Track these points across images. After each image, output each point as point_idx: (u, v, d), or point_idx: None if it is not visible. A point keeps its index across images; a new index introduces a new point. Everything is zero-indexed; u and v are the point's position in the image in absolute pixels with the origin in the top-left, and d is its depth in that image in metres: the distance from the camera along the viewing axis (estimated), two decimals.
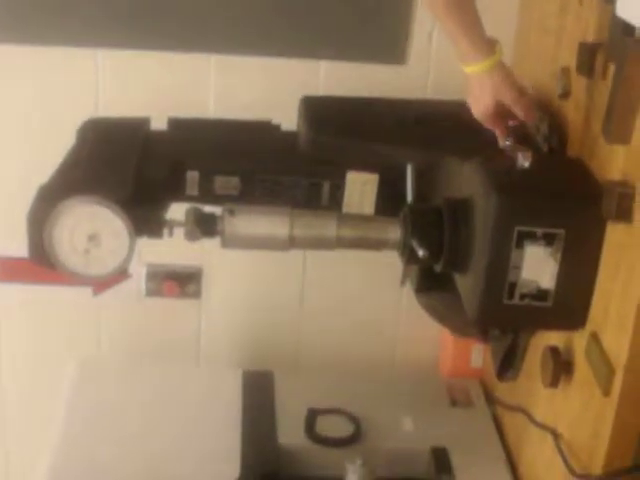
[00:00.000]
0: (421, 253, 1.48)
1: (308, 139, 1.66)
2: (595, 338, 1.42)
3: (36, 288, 1.88)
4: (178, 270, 2.17)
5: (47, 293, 1.91)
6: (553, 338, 1.58)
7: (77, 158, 1.60)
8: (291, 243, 1.54)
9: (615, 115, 1.31)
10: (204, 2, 1.96)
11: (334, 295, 2.23)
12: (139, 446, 1.86)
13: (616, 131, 1.32)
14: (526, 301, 1.44)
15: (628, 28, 1.29)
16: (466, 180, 1.51)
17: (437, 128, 1.68)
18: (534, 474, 1.75)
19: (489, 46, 1.45)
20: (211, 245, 1.56)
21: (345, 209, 1.67)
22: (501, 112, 1.48)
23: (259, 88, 2.03)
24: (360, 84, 1.98)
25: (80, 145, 1.65)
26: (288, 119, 1.73)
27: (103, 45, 1.98)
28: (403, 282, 1.66)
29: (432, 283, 1.67)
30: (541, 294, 1.43)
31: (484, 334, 1.69)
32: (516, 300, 1.44)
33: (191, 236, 1.52)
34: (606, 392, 1.37)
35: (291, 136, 1.71)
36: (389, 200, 1.66)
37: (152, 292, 2.18)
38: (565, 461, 1.52)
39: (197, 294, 2.20)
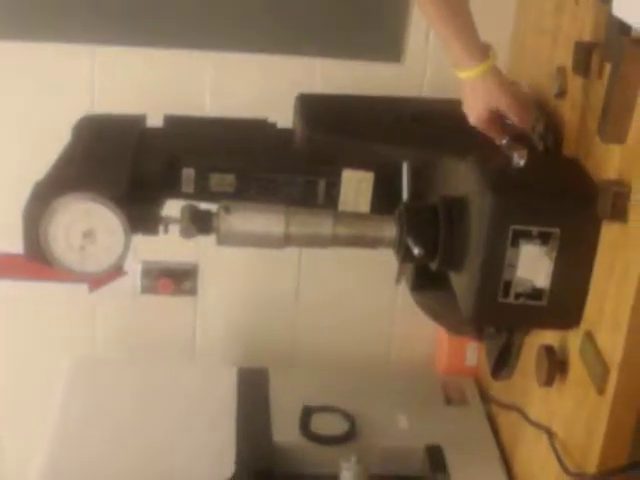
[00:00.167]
0: (416, 251, 1.49)
1: (304, 137, 1.66)
2: (590, 337, 1.42)
3: (31, 285, 1.88)
4: (173, 267, 2.17)
5: (42, 290, 1.92)
6: (548, 337, 1.58)
7: (73, 155, 1.60)
8: (286, 241, 1.54)
9: (611, 114, 1.31)
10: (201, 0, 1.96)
11: (329, 292, 2.23)
12: (134, 443, 1.86)
13: (612, 130, 1.32)
14: (521, 300, 1.44)
15: (624, 27, 1.29)
16: (462, 179, 1.51)
17: (433, 126, 1.68)
18: (529, 472, 1.75)
19: (482, 51, 1.43)
20: (206, 242, 1.56)
21: (341, 207, 1.67)
22: (495, 117, 1.47)
23: (255, 86, 2.03)
24: (356, 82, 1.98)
25: (76, 142, 1.65)
26: (284, 117, 1.73)
27: (99, 42, 1.98)
28: (398, 280, 1.66)
29: (427, 281, 1.67)
30: (536, 293, 1.44)
31: (479, 332, 1.69)
32: (511, 299, 1.44)
33: (186, 233, 1.52)
34: (600, 391, 1.37)
35: (287, 134, 1.71)
36: (385, 198, 1.66)
37: (147, 289, 2.18)
38: (559, 460, 1.52)
39: (192, 291, 2.20)
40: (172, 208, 1.58)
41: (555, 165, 1.55)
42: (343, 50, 2.02)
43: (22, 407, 2.26)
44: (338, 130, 1.67)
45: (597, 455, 1.40)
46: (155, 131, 1.71)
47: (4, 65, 1.99)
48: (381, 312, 2.26)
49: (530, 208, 1.41)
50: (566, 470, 1.50)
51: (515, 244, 1.40)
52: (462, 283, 1.51)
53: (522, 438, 1.79)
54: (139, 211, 1.49)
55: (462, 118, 1.51)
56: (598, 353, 1.39)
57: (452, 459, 1.83)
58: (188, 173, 1.64)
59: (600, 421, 1.39)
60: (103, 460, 1.81)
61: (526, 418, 1.73)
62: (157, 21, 1.97)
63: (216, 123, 1.78)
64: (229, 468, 1.77)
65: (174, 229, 1.53)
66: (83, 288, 1.74)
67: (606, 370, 1.36)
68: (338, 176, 1.66)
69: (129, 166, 1.56)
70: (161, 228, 1.53)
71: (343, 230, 1.55)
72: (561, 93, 1.61)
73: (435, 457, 1.83)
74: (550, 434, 1.59)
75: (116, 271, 1.50)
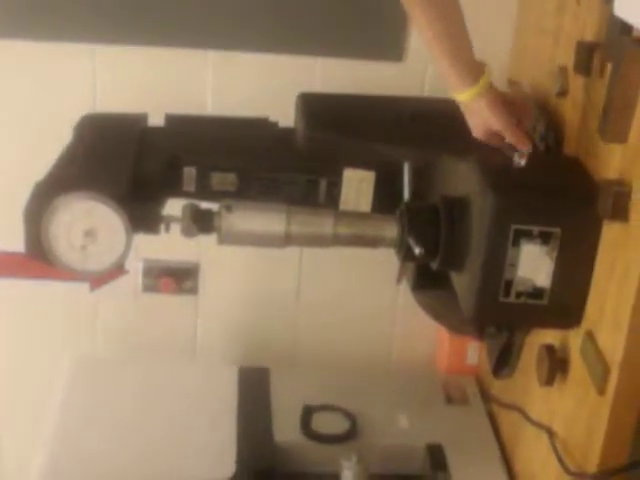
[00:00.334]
0: (417, 251, 1.49)
1: (305, 136, 1.66)
2: (590, 337, 1.42)
3: (32, 283, 1.89)
4: (175, 266, 2.17)
5: (43, 288, 1.92)
6: (549, 336, 1.59)
7: (74, 154, 1.60)
8: (287, 240, 1.54)
9: (612, 114, 1.31)
10: None
11: (330, 292, 2.23)
12: (134, 442, 1.86)
13: (613, 130, 1.33)
14: (522, 299, 1.44)
15: (625, 27, 1.30)
16: (463, 178, 1.51)
17: (434, 126, 1.68)
18: (529, 472, 1.75)
19: (475, 74, 1.42)
20: (208, 241, 1.56)
21: (342, 206, 1.67)
22: (494, 132, 1.47)
23: (256, 85, 2.03)
24: (357, 81, 1.98)
25: (77, 141, 1.65)
26: (285, 116, 1.73)
27: (100, 41, 1.98)
28: (399, 280, 1.66)
29: (428, 281, 1.67)
30: (537, 292, 1.44)
31: (480, 332, 1.69)
32: (512, 298, 1.44)
33: (188, 232, 1.52)
34: (601, 391, 1.37)
35: (288, 133, 1.71)
36: (386, 198, 1.66)
37: (148, 288, 2.18)
38: (560, 459, 1.52)
39: (193, 290, 2.20)
40: (173, 207, 1.59)
41: (556, 164, 1.55)
42: (344, 49, 2.02)
43: (22, 406, 2.27)
44: (339, 129, 1.67)
45: (597, 455, 1.40)
46: (156, 130, 1.71)
47: (5, 64, 1.99)
48: (382, 311, 2.26)
49: (531, 208, 1.41)
50: (566, 469, 1.50)
51: (516, 243, 1.41)
52: (463, 282, 1.51)
53: (523, 437, 1.79)
54: (140, 210, 1.49)
55: (463, 118, 1.51)
56: (599, 353, 1.39)
57: (453, 458, 1.83)
58: (189, 172, 1.64)
59: (600, 421, 1.39)
60: (103, 459, 1.81)
61: (527, 417, 1.73)
62: (158, 20, 1.97)
63: (217, 122, 1.78)
64: (230, 467, 1.77)
65: (175, 228, 1.53)
66: (84, 287, 1.74)
67: (607, 370, 1.36)
68: (339, 175, 1.66)
69: (130, 165, 1.56)
70: (162, 227, 1.53)
71: (344, 229, 1.55)
72: (562, 92, 1.61)
73: (436, 456, 1.83)
74: (551, 433, 1.59)
75: (117, 270, 1.50)
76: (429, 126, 1.69)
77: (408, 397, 2.06)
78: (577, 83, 1.55)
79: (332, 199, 1.67)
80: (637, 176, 1.29)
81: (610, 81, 1.33)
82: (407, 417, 1.97)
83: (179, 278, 2.18)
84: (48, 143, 1.59)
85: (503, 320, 1.58)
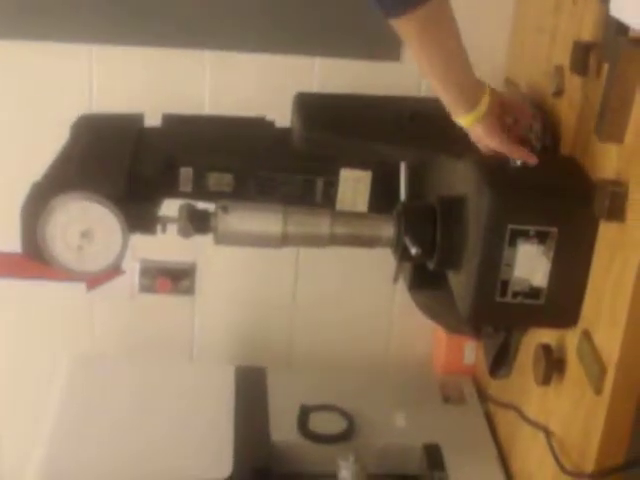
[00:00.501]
0: (414, 251, 1.49)
1: (302, 136, 1.66)
2: (587, 336, 1.43)
3: (29, 283, 1.88)
4: (171, 266, 2.17)
5: (40, 288, 1.91)
6: (545, 336, 1.59)
7: (70, 154, 1.60)
8: (284, 240, 1.54)
9: (608, 114, 1.32)
10: None
11: (327, 291, 2.23)
12: (132, 442, 1.86)
13: (609, 130, 1.33)
14: (518, 299, 1.44)
15: (621, 27, 1.30)
16: (459, 178, 1.51)
17: (431, 126, 1.67)
18: (526, 471, 1.75)
19: (473, 101, 1.39)
20: (205, 241, 1.56)
21: (338, 206, 1.67)
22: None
23: (254, 84, 2.03)
24: (354, 81, 1.98)
25: (74, 141, 1.65)
26: (282, 116, 1.73)
27: (97, 41, 1.98)
28: (396, 279, 1.66)
29: (425, 280, 1.67)
30: (533, 292, 1.44)
31: (477, 331, 1.69)
32: (508, 298, 1.44)
33: (184, 232, 1.52)
34: (598, 390, 1.38)
35: (285, 133, 1.71)
36: (382, 197, 1.66)
37: (145, 288, 2.18)
38: (556, 459, 1.52)
39: (190, 290, 2.20)
40: (170, 207, 1.59)
41: (553, 164, 1.55)
42: (342, 49, 2.02)
43: (21, 405, 2.27)
44: (336, 129, 1.67)
45: (594, 454, 1.41)
46: (153, 130, 1.71)
47: (1, 64, 1.99)
48: (379, 311, 2.26)
49: (527, 207, 1.41)
50: (563, 469, 1.50)
51: (512, 243, 1.41)
52: (460, 282, 1.51)
53: (520, 437, 1.79)
54: (137, 210, 1.49)
55: None
56: (595, 352, 1.39)
57: (450, 457, 1.83)
58: (186, 172, 1.64)
59: (597, 420, 1.39)
60: (101, 459, 1.81)
61: (523, 417, 1.73)
62: (155, 20, 1.97)
63: (214, 122, 1.78)
64: (227, 467, 1.77)
65: (172, 228, 1.53)
66: (81, 287, 1.74)
67: (603, 369, 1.36)
68: (336, 175, 1.66)
69: (127, 165, 1.56)
70: (159, 227, 1.53)
71: (341, 229, 1.55)
72: (559, 92, 1.61)
73: (433, 455, 1.83)
74: (547, 433, 1.59)
75: (114, 270, 1.50)
76: (426, 126, 1.69)
77: (405, 397, 2.06)
78: (574, 83, 1.55)
79: (329, 199, 1.67)
80: (633, 176, 1.29)
81: (606, 81, 1.34)
82: (404, 417, 1.97)
83: (176, 278, 2.18)
84: (45, 143, 1.59)
85: (500, 320, 1.58)
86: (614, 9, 1.27)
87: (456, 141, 1.54)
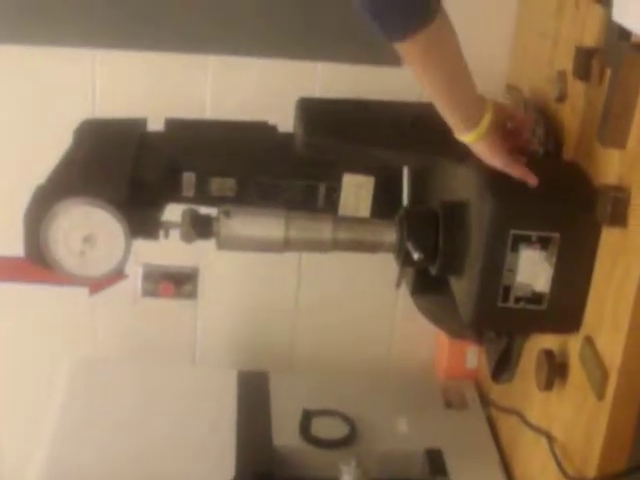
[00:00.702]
0: (416, 256, 1.49)
1: (304, 141, 1.66)
2: (589, 342, 1.42)
3: (31, 287, 1.88)
4: (174, 271, 2.17)
5: (43, 293, 1.91)
6: (548, 341, 1.59)
7: (74, 159, 1.60)
8: (286, 245, 1.54)
9: (611, 119, 1.32)
10: (201, 3, 1.96)
11: (329, 296, 2.23)
12: (134, 446, 1.86)
13: (611, 135, 1.33)
14: (521, 304, 1.44)
15: (624, 33, 1.30)
16: (461, 183, 1.51)
17: (433, 131, 1.67)
18: (528, 476, 1.75)
19: (474, 119, 1.38)
20: (207, 246, 1.56)
21: (341, 211, 1.67)
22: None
23: (256, 89, 2.03)
24: (356, 86, 1.98)
25: (77, 146, 1.65)
26: (285, 120, 1.73)
27: (100, 46, 1.98)
28: (398, 284, 1.66)
29: (427, 286, 1.67)
30: (536, 297, 1.44)
31: (479, 337, 1.69)
32: (511, 303, 1.44)
33: (186, 237, 1.52)
34: (600, 396, 1.38)
35: (288, 137, 1.71)
36: (385, 203, 1.66)
37: (148, 292, 2.18)
38: (559, 464, 1.52)
39: (193, 295, 2.20)
40: (173, 212, 1.59)
41: (555, 170, 1.55)
42: (344, 54, 2.02)
43: (22, 408, 2.27)
44: (338, 134, 1.67)
45: (596, 460, 1.41)
46: (156, 135, 1.71)
47: (5, 69, 1.99)
48: (381, 316, 2.26)
49: (530, 212, 1.42)
50: (565, 474, 1.50)
51: (515, 249, 1.41)
52: (462, 287, 1.51)
53: (522, 442, 1.79)
54: (140, 215, 1.49)
55: None
56: (598, 358, 1.39)
57: (452, 463, 1.83)
58: (189, 177, 1.64)
59: (599, 426, 1.39)
60: (102, 462, 1.81)
61: (526, 422, 1.73)
62: (158, 25, 1.97)
63: (217, 127, 1.78)
64: (229, 471, 1.77)
65: (174, 233, 1.53)
66: (84, 291, 1.74)
67: (605, 375, 1.36)
68: (338, 180, 1.66)
69: (130, 170, 1.56)
70: (161, 233, 1.53)
71: (343, 235, 1.55)
72: (561, 97, 1.61)
73: (435, 461, 1.83)
74: (550, 438, 1.59)
75: (117, 275, 1.50)
76: (428, 131, 1.68)
77: (407, 402, 2.05)
78: (576, 88, 1.55)
79: (331, 204, 1.67)
80: (636, 181, 1.30)
81: (609, 86, 1.34)
82: (406, 422, 1.96)
83: (178, 283, 2.18)
84: (48, 148, 1.59)
85: (502, 325, 1.58)
86: (617, 14, 1.27)
87: (458, 146, 1.55)
